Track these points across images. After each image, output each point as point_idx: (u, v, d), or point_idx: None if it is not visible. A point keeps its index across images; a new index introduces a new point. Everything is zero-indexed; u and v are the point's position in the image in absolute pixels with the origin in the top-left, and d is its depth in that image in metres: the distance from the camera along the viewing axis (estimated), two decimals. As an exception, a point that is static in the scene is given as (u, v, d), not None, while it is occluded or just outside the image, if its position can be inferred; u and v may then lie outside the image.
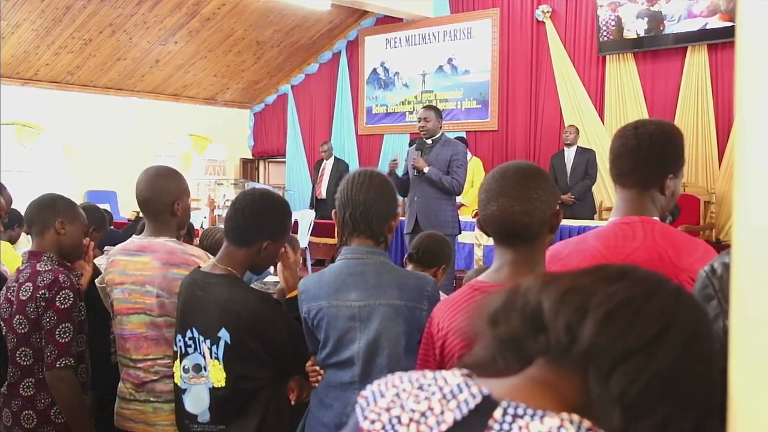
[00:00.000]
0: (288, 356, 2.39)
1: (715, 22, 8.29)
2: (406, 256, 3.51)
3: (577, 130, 8.69)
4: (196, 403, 2.38)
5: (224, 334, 2.31)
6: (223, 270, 2.40)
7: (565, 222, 7.36)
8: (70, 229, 2.77)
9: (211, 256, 2.64)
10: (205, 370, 2.36)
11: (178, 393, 2.45)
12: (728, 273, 1.21)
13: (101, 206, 4.95)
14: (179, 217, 2.71)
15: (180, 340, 2.43)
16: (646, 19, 8.79)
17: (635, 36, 8.95)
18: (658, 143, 2.02)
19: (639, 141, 2.00)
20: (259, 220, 2.42)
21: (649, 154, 2.01)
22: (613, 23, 9.09)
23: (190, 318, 2.40)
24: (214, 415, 2.36)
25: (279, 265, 2.60)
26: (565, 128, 8.81)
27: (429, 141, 6.28)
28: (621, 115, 8.97)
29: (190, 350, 2.40)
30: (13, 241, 4.40)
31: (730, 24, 8.10)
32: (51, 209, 2.77)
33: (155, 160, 12.36)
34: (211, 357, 2.34)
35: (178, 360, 2.44)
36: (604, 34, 9.20)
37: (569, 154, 8.57)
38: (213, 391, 2.36)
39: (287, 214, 2.56)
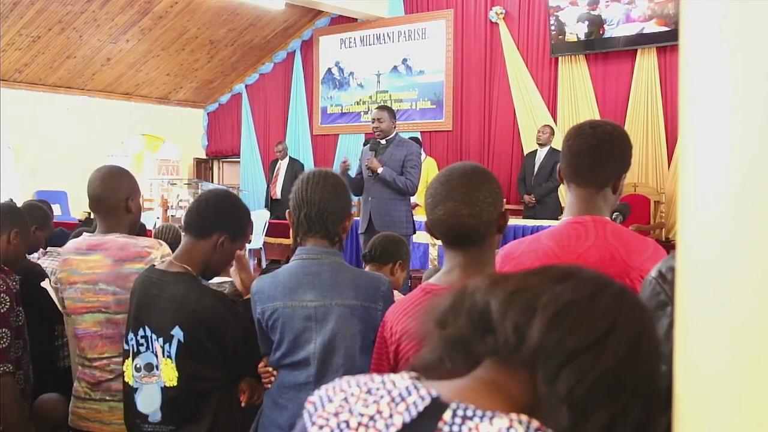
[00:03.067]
0: (241, 357, 2.38)
1: (652, 27, 8.47)
2: (362, 256, 3.54)
3: (552, 131, 8.62)
4: (148, 402, 2.36)
5: (177, 332, 2.30)
6: (179, 268, 2.40)
7: (521, 222, 7.44)
8: (21, 243, 2.72)
9: (163, 243, 2.65)
10: (157, 369, 2.34)
11: (129, 392, 2.42)
12: None
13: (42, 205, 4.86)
14: (133, 214, 2.69)
15: (132, 339, 2.41)
16: (586, 22, 8.93)
17: (576, 39, 9.08)
18: (618, 143, 2.05)
19: (600, 140, 2.02)
20: (219, 212, 2.45)
21: (610, 154, 2.04)
22: (554, 28, 9.22)
23: (144, 316, 2.38)
24: (165, 414, 2.34)
25: (233, 266, 2.59)
26: (539, 128, 8.79)
27: (383, 141, 6.29)
28: (573, 116, 9.06)
29: (142, 349, 2.38)
30: None
31: (667, 29, 8.28)
32: (9, 218, 2.73)
33: (107, 160, 12.16)
34: (164, 356, 2.33)
35: (129, 359, 2.41)
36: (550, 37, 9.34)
37: (540, 154, 8.60)
38: (165, 390, 2.34)
39: (247, 218, 2.59)
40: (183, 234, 2.50)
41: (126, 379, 2.44)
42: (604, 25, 8.81)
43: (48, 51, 10.66)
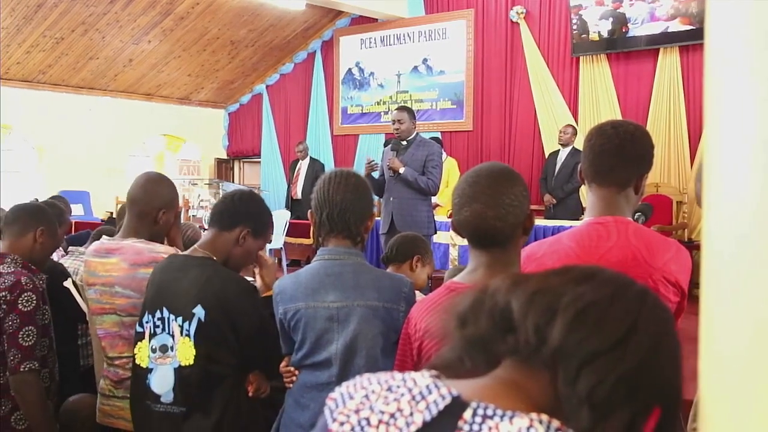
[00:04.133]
0: (255, 346, 2.43)
1: (677, 26, 8.40)
2: (382, 258, 3.54)
3: (575, 131, 8.55)
4: (162, 383, 2.41)
5: (199, 311, 2.35)
6: (203, 254, 2.46)
7: (542, 222, 7.41)
8: (48, 241, 2.75)
9: (179, 251, 2.69)
10: (172, 350, 2.39)
11: (140, 374, 2.46)
12: None
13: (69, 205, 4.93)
14: (159, 227, 2.72)
15: (148, 321, 2.45)
16: (610, 20, 8.87)
17: (598, 38, 9.02)
18: (640, 143, 2.04)
19: (622, 140, 2.01)
20: (244, 206, 2.54)
21: (632, 154, 2.02)
22: (576, 27, 9.17)
23: (162, 298, 2.43)
24: (177, 395, 2.39)
25: (258, 267, 2.65)
26: (561, 128, 8.74)
27: (404, 142, 6.29)
28: (594, 116, 9.01)
29: (158, 330, 2.42)
30: None
31: (691, 27, 8.21)
32: (36, 216, 2.75)
33: (128, 161, 12.27)
34: (182, 334, 2.37)
35: (145, 340, 2.45)
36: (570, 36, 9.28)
37: (562, 154, 8.54)
38: (179, 370, 2.38)
39: (270, 218, 2.66)
40: (208, 227, 2.57)
41: (138, 362, 2.48)
42: (628, 24, 8.75)
43: (71, 52, 10.76)
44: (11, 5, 9.35)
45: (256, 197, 2.66)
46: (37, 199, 4.82)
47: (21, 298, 2.56)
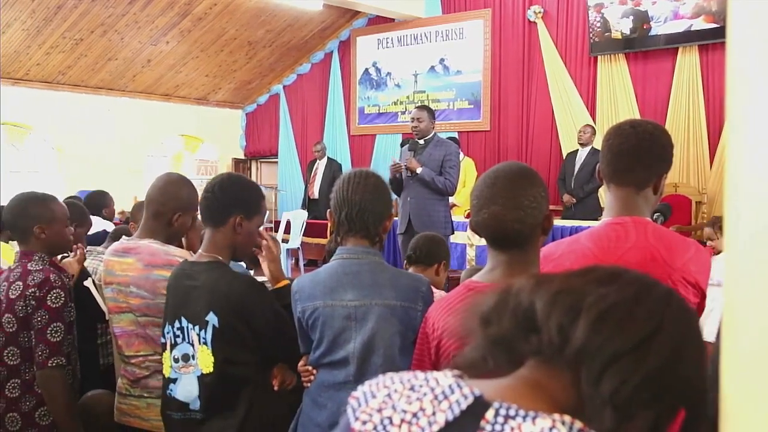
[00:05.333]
0: (273, 340, 2.42)
1: (700, 24, 8.33)
2: (405, 258, 3.55)
3: (593, 130, 8.51)
4: (187, 391, 2.41)
5: (212, 318, 2.35)
6: (209, 257, 2.45)
7: (560, 222, 7.38)
8: (50, 229, 2.76)
9: (193, 254, 2.68)
10: (193, 358, 2.40)
11: (166, 384, 2.47)
12: None
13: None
14: (174, 229, 2.73)
15: (169, 332, 2.46)
16: (631, 18, 8.81)
17: (621, 36, 8.97)
18: (659, 142, 2.02)
19: (640, 139, 1.99)
20: (228, 194, 2.47)
21: (650, 153, 2.01)
22: (599, 25, 9.12)
23: (180, 308, 2.43)
24: (203, 402, 2.39)
25: (261, 256, 2.62)
26: (580, 128, 8.70)
27: (421, 141, 6.28)
28: (612, 116, 8.97)
29: (179, 340, 2.43)
30: (11, 239, 4.38)
31: (716, 25, 8.14)
32: (25, 216, 2.76)
33: (147, 161, 12.33)
34: (200, 343, 2.38)
35: (168, 351, 2.46)
36: (591, 35, 9.22)
37: (581, 154, 8.51)
38: (201, 378, 2.39)
39: (257, 190, 2.61)
40: (204, 226, 2.54)
41: (163, 372, 2.50)
42: (650, 22, 8.69)
43: (90, 53, 10.83)
44: (32, 7, 9.42)
45: (235, 178, 2.59)
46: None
47: (50, 295, 2.59)
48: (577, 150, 8.64)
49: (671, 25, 8.55)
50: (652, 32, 8.72)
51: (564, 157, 9.06)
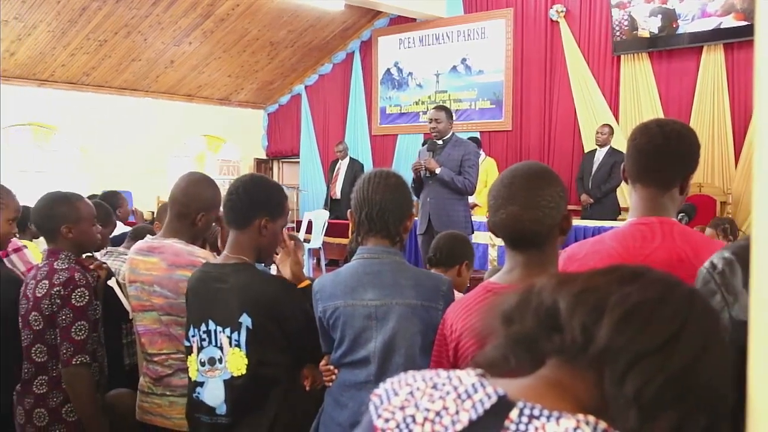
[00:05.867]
0: (304, 341, 2.41)
1: (730, 22, 8.23)
2: (427, 259, 3.53)
3: (611, 130, 8.48)
4: (214, 395, 2.40)
5: (245, 320, 2.34)
6: (236, 259, 2.44)
7: (580, 222, 7.34)
8: (77, 229, 2.79)
9: (216, 256, 2.69)
10: (220, 362, 2.39)
11: (191, 387, 2.47)
12: (729, 267, 1.23)
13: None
14: (198, 229, 2.74)
15: (195, 335, 2.45)
16: (659, 16, 8.73)
17: (648, 35, 8.89)
18: (686, 142, 2.00)
19: (668, 139, 1.97)
20: (252, 196, 2.46)
21: (678, 153, 1.99)
22: (626, 23, 9.04)
23: (207, 311, 2.42)
24: (230, 405, 2.38)
25: (280, 256, 2.61)
26: (598, 128, 8.68)
27: (440, 141, 6.28)
28: (636, 115, 8.92)
29: (205, 344, 2.42)
30: (34, 237, 4.43)
31: (746, 23, 8.05)
32: (52, 216, 2.78)
33: (169, 161, 12.42)
34: (231, 345, 2.36)
35: (194, 354, 2.46)
36: (618, 34, 9.15)
37: (599, 154, 8.49)
38: (231, 380, 2.37)
39: (280, 192, 2.59)
40: (228, 228, 2.53)
41: (190, 375, 2.49)
42: (678, 20, 8.61)
43: (114, 54, 10.93)
44: (57, 9, 9.53)
45: (259, 180, 2.57)
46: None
47: (75, 294, 2.61)
48: (595, 150, 8.62)
49: (699, 23, 8.47)
50: (680, 30, 8.63)
51: (582, 157, 9.02)
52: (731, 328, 1.14)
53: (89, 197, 3.39)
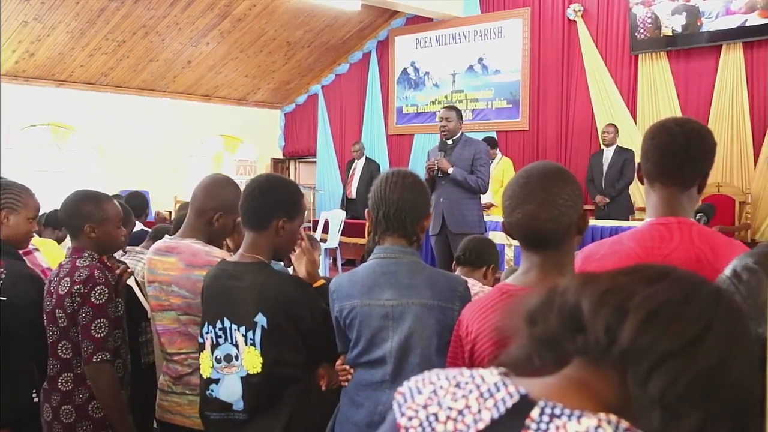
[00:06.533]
0: (320, 340, 2.41)
1: (754, 19, 8.15)
2: (454, 259, 3.55)
3: (616, 129, 8.59)
4: (230, 392, 2.40)
5: (261, 319, 2.34)
6: (251, 259, 2.43)
7: (598, 222, 7.31)
8: (100, 229, 2.80)
9: (233, 255, 2.68)
10: (237, 359, 2.39)
11: (204, 384, 2.48)
12: (755, 277, 1.19)
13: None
14: (215, 229, 2.74)
15: (210, 332, 2.45)
16: (684, 14, 8.65)
17: (671, 33, 8.82)
18: (706, 140, 1.98)
19: (688, 138, 1.95)
20: (269, 197, 2.45)
21: (699, 152, 1.97)
22: (649, 20, 8.97)
23: (222, 308, 2.42)
24: (247, 402, 2.38)
25: (295, 255, 2.60)
26: (603, 128, 8.71)
27: (449, 142, 6.27)
28: (654, 115, 8.86)
29: (221, 341, 2.42)
30: (60, 241, 4.47)
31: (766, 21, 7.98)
32: (77, 214, 2.79)
33: (187, 161, 12.47)
34: (246, 344, 2.37)
35: (207, 351, 2.46)
36: (641, 31, 9.06)
37: (607, 153, 8.53)
38: (247, 378, 2.38)
39: (297, 191, 2.58)
40: (244, 228, 2.52)
41: (201, 372, 2.50)
42: (702, 18, 8.54)
43: (132, 55, 10.99)
44: (75, 10, 9.59)
45: (275, 180, 2.57)
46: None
47: (94, 291, 2.63)
48: (602, 150, 8.65)
49: (723, 20, 8.39)
50: (704, 28, 8.56)
51: (589, 159, 9.00)
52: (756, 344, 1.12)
53: (114, 196, 3.40)
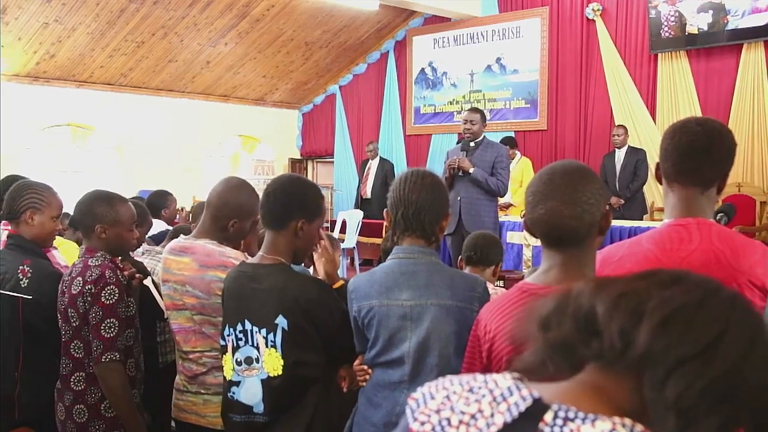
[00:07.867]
0: (340, 341, 2.40)
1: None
2: (461, 258, 3.52)
3: (626, 130, 8.58)
4: (251, 394, 2.40)
5: (281, 321, 2.33)
6: (271, 260, 2.42)
7: (615, 223, 7.27)
8: (111, 230, 2.80)
9: (248, 256, 2.68)
10: (257, 361, 2.39)
11: (227, 386, 2.48)
12: None
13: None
14: (229, 234, 2.73)
15: (230, 334, 2.45)
16: (710, 12, 8.56)
17: (697, 31, 8.72)
18: (726, 140, 1.96)
19: (709, 138, 1.93)
20: (289, 198, 2.44)
21: (720, 152, 1.94)
22: (673, 18, 8.90)
23: (242, 310, 2.42)
24: (268, 405, 2.38)
25: (316, 255, 2.61)
26: (613, 129, 8.68)
27: (472, 143, 6.27)
28: (673, 115, 8.81)
29: (241, 343, 2.42)
30: (81, 242, 4.50)
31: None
32: (90, 214, 2.80)
33: (205, 161, 12.53)
34: (267, 346, 2.36)
35: (229, 353, 2.46)
36: (666, 29, 8.99)
37: (620, 154, 8.50)
38: (268, 381, 2.37)
39: (317, 193, 2.57)
40: (264, 229, 2.51)
41: (225, 374, 2.50)
42: (728, 16, 8.45)
43: (151, 55, 11.06)
44: (95, 11, 9.67)
45: (295, 181, 2.55)
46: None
47: (104, 291, 2.63)
48: (613, 151, 8.61)
49: (749, 18, 8.30)
50: (730, 26, 8.46)
51: (602, 161, 8.94)
52: None
53: (132, 199, 3.41)
